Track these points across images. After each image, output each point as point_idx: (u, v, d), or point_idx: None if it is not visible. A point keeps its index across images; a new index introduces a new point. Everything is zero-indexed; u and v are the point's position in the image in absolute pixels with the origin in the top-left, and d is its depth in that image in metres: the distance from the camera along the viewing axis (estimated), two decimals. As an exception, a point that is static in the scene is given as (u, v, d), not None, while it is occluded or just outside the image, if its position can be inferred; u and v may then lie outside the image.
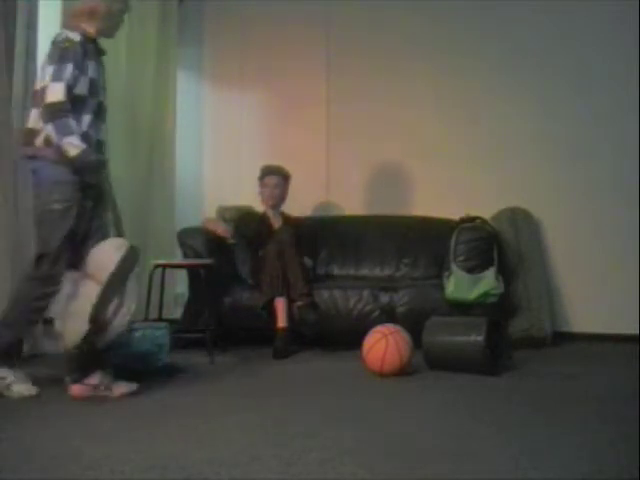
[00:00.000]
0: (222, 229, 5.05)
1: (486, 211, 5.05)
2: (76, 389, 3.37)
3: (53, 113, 3.30)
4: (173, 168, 5.85)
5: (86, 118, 3.44)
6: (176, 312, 5.25)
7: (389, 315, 4.62)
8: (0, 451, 2.53)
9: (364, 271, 5.24)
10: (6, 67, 4.18)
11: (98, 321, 3.22)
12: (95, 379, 3.39)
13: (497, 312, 4.53)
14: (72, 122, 3.33)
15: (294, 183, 5.17)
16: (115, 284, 3.28)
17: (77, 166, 3.35)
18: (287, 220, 5.12)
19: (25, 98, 4.33)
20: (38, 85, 3.45)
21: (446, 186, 5.43)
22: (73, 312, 3.32)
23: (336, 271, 5.28)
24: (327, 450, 2.53)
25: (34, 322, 3.61)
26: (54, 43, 3.44)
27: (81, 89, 3.40)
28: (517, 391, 3.54)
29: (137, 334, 3.87)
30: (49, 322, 4.69)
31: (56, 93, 3.29)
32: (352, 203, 5.63)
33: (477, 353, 3.81)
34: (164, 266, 4.72)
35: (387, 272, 5.18)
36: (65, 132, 3.30)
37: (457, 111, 5.42)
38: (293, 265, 4.64)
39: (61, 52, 3.36)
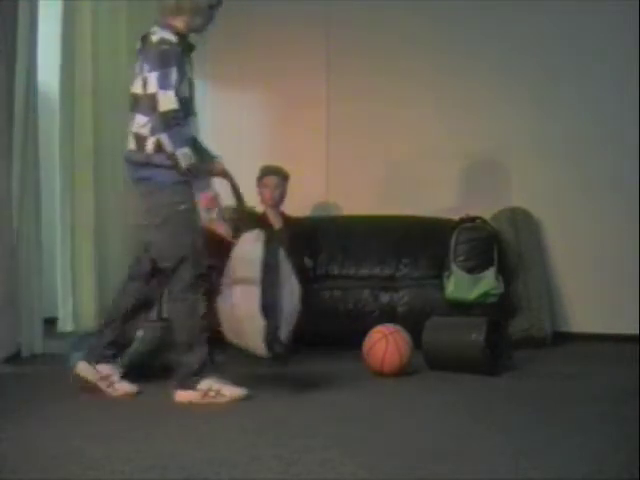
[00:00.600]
0: (223, 229, 5.04)
1: (486, 211, 5.05)
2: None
3: (167, 122, 3.23)
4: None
5: (190, 120, 3.39)
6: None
7: (389, 315, 4.61)
8: (0, 451, 2.53)
9: (364, 271, 5.23)
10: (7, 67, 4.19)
11: (270, 316, 3.24)
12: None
13: (497, 312, 4.53)
14: (185, 130, 3.28)
15: (294, 183, 5.16)
16: (271, 272, 3.30)
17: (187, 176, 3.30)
18: (287, 220, 5.12)
19: (27, 98, 4.33)
20: (139, 89, 3.35)
21: (446, 186, 5.43)
22: (243, 319, 3.29)
23: (336, 271, 5.27)
24: (327, 450, 2.53)
25: (206, 330, 3.42)
26: (149, 43, 3.35)
27: (184, 92, 3.33)
28: (517, 391, 3.54)
29: (137, 334, 3.88)
30: (49, 322, 4.71)
31: (168, 101, 3.22)
32: (352, 203, 5.62)
33: (477, 353, 3.81)
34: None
35: (387, 272, 5.18)
36: (179, 142, 3.24)
37: (457, 111, 5.42)
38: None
39: (162, 55, 3.28)
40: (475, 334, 3.84)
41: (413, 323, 4.17)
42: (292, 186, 5.17)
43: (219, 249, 4.95)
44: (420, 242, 5.17)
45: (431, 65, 5.50)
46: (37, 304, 4.41)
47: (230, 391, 3.34)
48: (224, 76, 6.02)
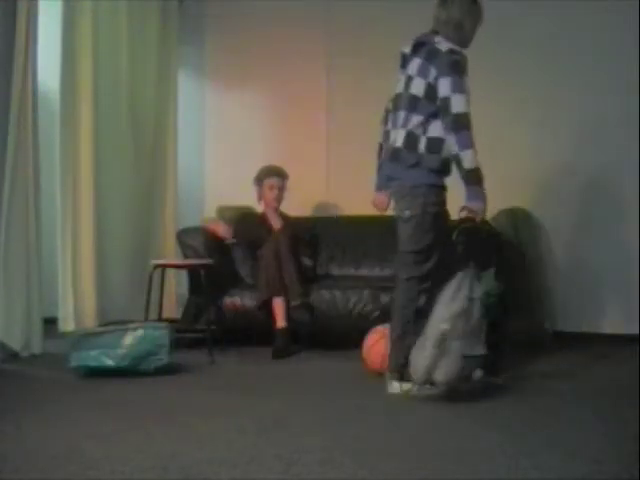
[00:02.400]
0: (222, 229, 5.06)
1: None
2: None
3: (458, 124, 3.35)
4: (174, 168, 5.86)
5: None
6: (178, 312, 5.26)
7: (389, 315, 4.60)
8: (0, 451, 2.53)
9: (364, 271, 5.23)
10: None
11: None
12: None
13: (497, 312, 4.52)
14: (472, 135, 3.37)
15: (294, 183, 5.17)
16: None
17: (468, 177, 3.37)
18: (286, 220, 5.12)
19: (22, 98, 4.31)
20: (418, 91, 3.48)
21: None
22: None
23: (336, 271, 5.27)
24: (327, 450, 2.53)
25: (411, 323, 3.51)
26: (436, 51, 3.47)
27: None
28: (517, 391, 3.54)
29: (137, 334, 3.88)
30: (50, 322, 4.71)
31: (462, 105, 3.36)
32: (352, 203, 5.62)
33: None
34: (164, 266, 4.73)
35: (387, 272, 5.17)
36: (466, 145, 3.34)
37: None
38: (288, 266, 4.64)
39: (456, 64, 3.43)
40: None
41: (413, 323, 4.16)
42: (292, 186, 5.17)
43: (218, 249, 5.00)
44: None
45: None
46: (37, 304, 4.41)
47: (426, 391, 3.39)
48: (225, 75, 6.02)
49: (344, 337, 4.56)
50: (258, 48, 5.85)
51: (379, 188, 3.83)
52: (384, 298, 4.71)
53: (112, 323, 4.65)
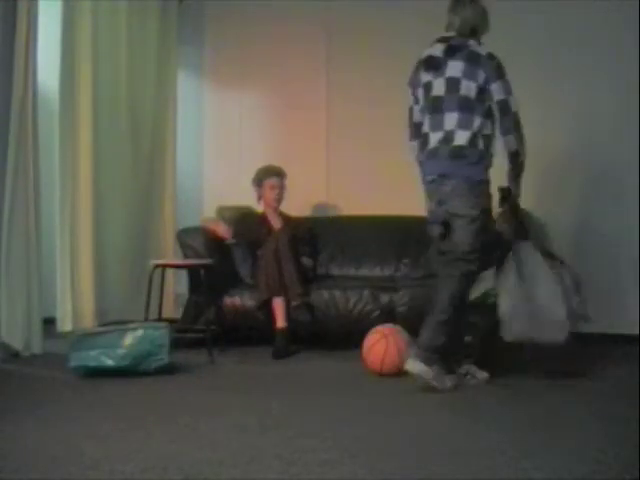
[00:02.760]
0: (222, 229, 5.06)
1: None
2: None
3: (517, 122, 3.63)
4: (173, 168, 5.86)
5: None
6: (178, 312, 5.26)
7: (389, 315, 4.61)
8: (0, 451, 2.53)
9: (364, 271, 5.23)
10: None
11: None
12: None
13: (497, 312, 4.52)
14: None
15: (294, 183, 5.17)
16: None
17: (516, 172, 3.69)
18: (286, 220, 5.12)
19: (22, 98, 4.32)
20: (469, 93, 3.61)
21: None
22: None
23: (336, 271, 5.28)
24: (327, 450, 2.53)
25: (457, 314, 3.62)
26: (477, 55, 3.65)
27: None
28: (517, 391, 3.54)
29: (137, 334, 3.88)
30: (48, 322, 4.71)
31: (516, 104, 3.65)
32: (352, 203, 5.62)
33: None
34: (164, 266, 4.73)
35: (387, 272, 5.18)
36: (524, 140, 3.65)
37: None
38: (288, 265, 4.64)
39: (500, 67, 3.69)
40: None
41: (413, 323, 4.16)
42: (292, 186, 5.17)
43: (218, 249, 4.99)
44: (420, 242, 5.15)
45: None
46: (37, 304, 4.41)
47: (446, 381, 3.53)
48: (224, 75, 6.02)
49: (344, 337, 4.57)
50: (258, 48, 5.86)
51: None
52: (384, 298, 4.71)
53: (111, 323, 4.65)
